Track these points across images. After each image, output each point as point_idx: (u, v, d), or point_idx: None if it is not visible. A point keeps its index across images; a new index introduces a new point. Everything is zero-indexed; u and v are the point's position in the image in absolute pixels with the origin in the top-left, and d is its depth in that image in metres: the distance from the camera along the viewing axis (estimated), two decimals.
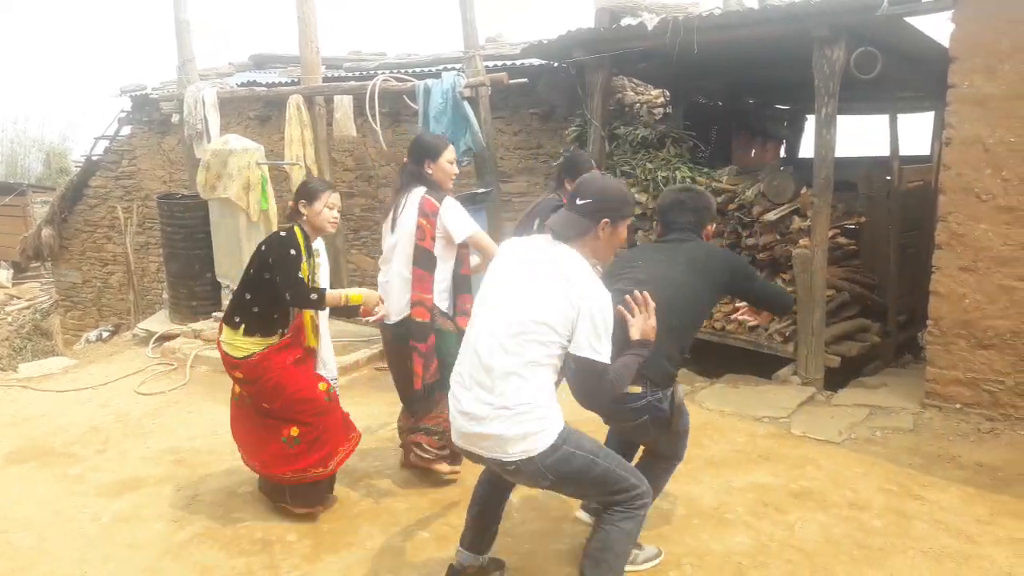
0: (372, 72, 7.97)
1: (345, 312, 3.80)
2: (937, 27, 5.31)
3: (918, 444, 4.53)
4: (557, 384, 2.66)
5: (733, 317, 5.62)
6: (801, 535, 3.52)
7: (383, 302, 3.74)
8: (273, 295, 3.47)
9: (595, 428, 3.05)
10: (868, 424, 4.85)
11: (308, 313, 3.67)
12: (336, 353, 6.43)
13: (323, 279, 3.76)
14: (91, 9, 66.20)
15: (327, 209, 3.57)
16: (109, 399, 5.72)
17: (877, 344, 6.36)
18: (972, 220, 4.75)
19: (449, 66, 7.62)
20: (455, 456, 4.03)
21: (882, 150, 7.67)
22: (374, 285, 4.03)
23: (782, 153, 10.10)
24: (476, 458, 2.68)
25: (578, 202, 2.60)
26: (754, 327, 5.94)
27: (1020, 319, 4.65)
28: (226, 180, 6.79)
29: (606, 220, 2.58)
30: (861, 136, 9.81)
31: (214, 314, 7.16)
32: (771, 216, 5.97)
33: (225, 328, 3.56)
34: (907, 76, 6.43)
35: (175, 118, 8.34)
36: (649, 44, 6.10)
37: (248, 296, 3.51)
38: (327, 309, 3.72)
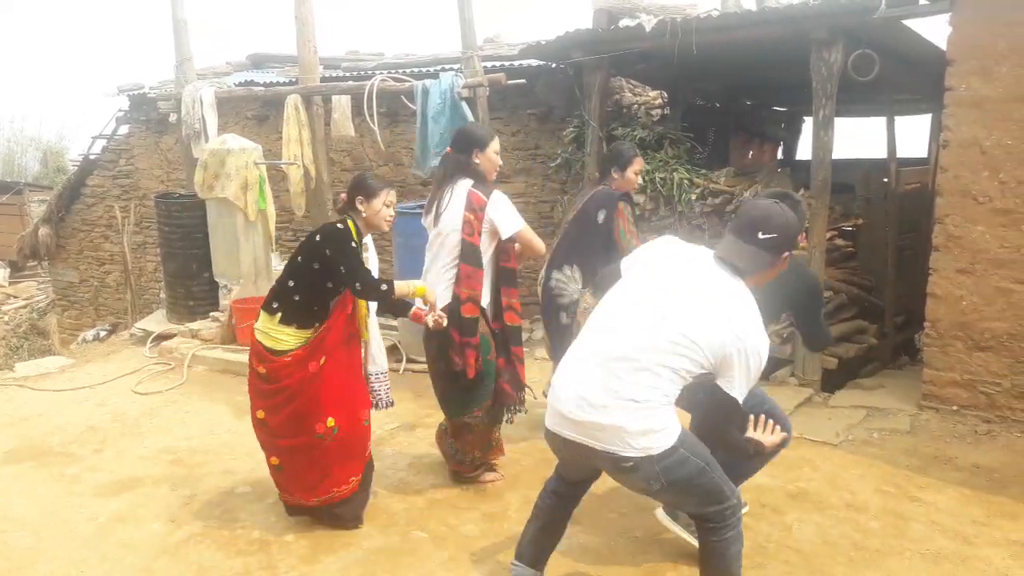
0: (370, 72, 7.97)
1: (394, 309, 3.74)
2: (934, 30, 5.33)
3: (915, 446, 4.54)
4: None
5: None
6: (798, 536, 3.52)
7: (436, 315, 3.57)
8: (318, 285, 3.36)
9: None
10: (865, 425, 4.85)
11: (363, 304, 3.57)
12: None
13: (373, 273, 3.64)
14: (89, 8, 66.13)
15: (385, 207, 3.47)
16: (106, 399, 5.71)
17: (874, 346, 6.37)
18: (969, 222, 4.75)
19: (447, 66, 7.62)
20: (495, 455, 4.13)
21: (879, 152, 7.67)
22: None
23: (780, 155, 10.11)
24: (573, 453, 2.60)
25: (761, 236, 2.49)
26: None
27: (1017, 321, 4.66)
28: (224, 180, 6.79)
29: (787, 253, 2.57)
30: (858, 138, 9.82)
31: (211, 313, 7.15)
32: None
33: (262, 314, 3.42)
34: (904, 78, 6.44)
35: (173, 117, 8.33)
36: (647, 45, 6.11)
37: (291, 283, 3.37)
38: (376, 303, 3.65)
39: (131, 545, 3.61)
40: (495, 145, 3.82)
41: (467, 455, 3.98)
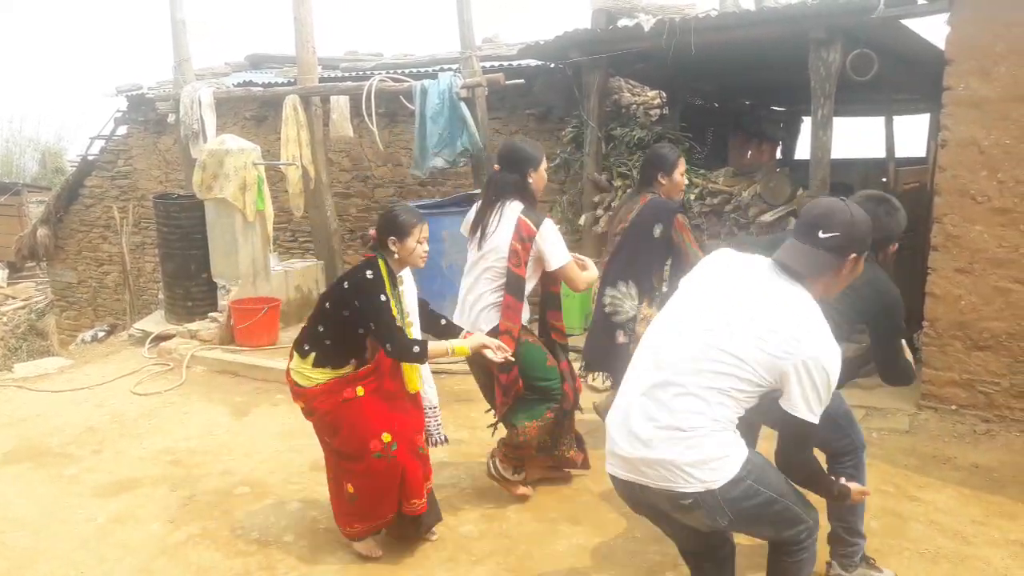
0: (369, 72, 7.97)
1: (439, 334, 3.53)
2: (933, 29, 5.33)
3: (914, 445, 4.54)
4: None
5: None
6: None
7: (495, 347, 3.31)
8: (349, 331, 3.23)
9: None
10: (864, 425, 4.83)
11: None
12: None
13: (412, 306, 3.44)
14: (88, 9, 66.08)
15: (419, 244, 3.23)
16: (105, 399, 5.70)
17: None
18: (968, 222, 4.76)
19: (446, 67, 7.62)
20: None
21: (878, 152, 7.71)
22: None
23: (778, 155, 10.13)
24: (636, 495, 2.33)
25: (821, 235, 2.21)
26: None
27: (1015, 321, 4.66)
28: (222, 180, 6.79)
29: (854, 255, 2.24)
30: (857, 138, 9.84)
31: (210, 314, 7.14)
32: (767, 217, 5.98)
33: (295, 355, 3.29)
34: (903, 78, 6.45)
35: (171, 118, 8.32)
36: (645, 45, 6.11)
37: (321, 329, 3.24)
38: (420, 329, 3.46)
39: (130, 546, 3.60)
40: (545, 163, 3.68)
41: (532, 438, 3.70)
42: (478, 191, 6.65)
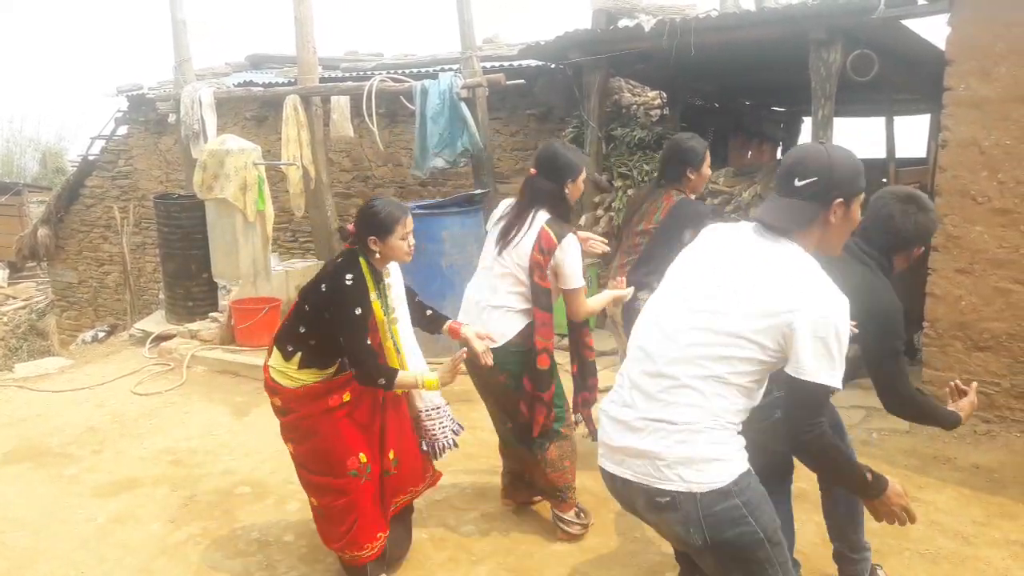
0: (369, 73, 7.98)
1: (429, 328, 3.37)
2: (933, 30, 5.34)
3: (914, 446, 4.54)
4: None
5: None
6: (798, 536, 3.51)
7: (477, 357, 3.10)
8: (333, 332, 2.95)
9: None
10: (865, 426, 4.85)
11: (389, 341, 3.05)
12: None
13: (399, 304, 3.20)
14: (88, 9, 66.13)
15: (401, 240, 2.97)
16: (105, 399, 5.71)
17: None
18: (968, 222, 4.76)
19: (446, 67, 7.63)
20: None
21: (878, 152, 7.70)
22: None
23: (778, 155, 10.13)
24: (619, 491, 2.11)
25: (798, 183, 2.00)
26: None
27: (1016, 321, 4.66)
28: (223, 180, 6.79)
29: (839, 200, 1.99)
30: (858, 138, 9.83)
31: (211, 314, 7.15)
32: None
33: (276, 354, 3.03)
34: (903, 78, 6.45)
35: (172, 118, 8.33)
36: (646, 46, 6.11)
37: (303, 330, 2.97)
38: (410, 323, 3.25)
39: (130, 546, 3.60)
40: (584, 173, 3.43)
41: (565, 481, 3.53)
42: (479, 191, 6.68)
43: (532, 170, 3.41)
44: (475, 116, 6.80)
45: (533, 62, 7.34)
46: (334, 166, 8.59)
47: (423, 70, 7.89)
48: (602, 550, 3.42)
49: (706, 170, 3.92)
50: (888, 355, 2.47)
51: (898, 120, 8.67)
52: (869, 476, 2.05)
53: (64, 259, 11.79)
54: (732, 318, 1.95)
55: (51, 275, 12.56)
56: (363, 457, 3.01)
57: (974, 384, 2.48)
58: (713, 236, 2.18)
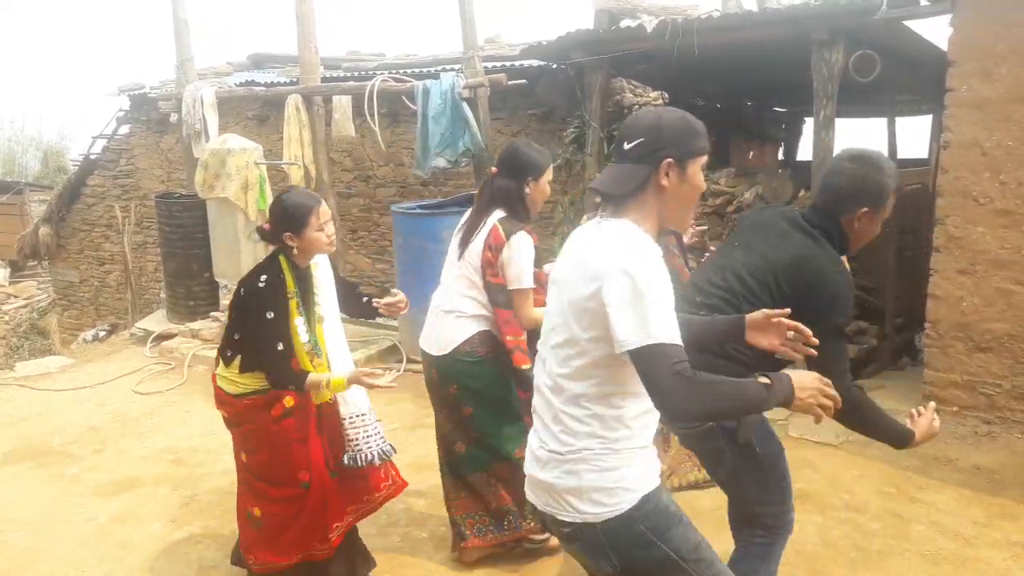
0: (371, 72, 7.97)
1: (362, 313, 3.26)
2: (935, 31, 5.33)
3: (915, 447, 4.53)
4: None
5: None
6: (799, 537, 3.51)
7: (373, 376, 2.88)
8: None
9: None
10: None
11: (300, 341, 2.89)
12: None
13: (328, 302, 3.06)
14: (89, 8, 66.16)
15: (318, 232, 2.83)
16: (106, 399, 5.71)
17: (875, 347, 6.37)
18: (970, 223, 4.75)
19: (448, 67, 7.62)
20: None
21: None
22: (372, 286, 3.91)
23: (780, 155, 10.13)
24: (540, 516, 1.99)
25: (626, 146, 1.86)
26: None
27: (1017, 322, 4.66)
28: (224, 180, 6.79)
29: (668, 159, 1.82)
30: (859, 139, 9.83)
31: (212, 313, 7.15)
32: None
33: (220, 362, 2.96)
34: (905, 79, 6.45)
35: (173, 117, 8.34)
36: (648, 46, 6.11)
37: (237, 336, 2.88)
38: (339, 321, 3.12)
39: (131, 545, 3.61)
40: (550, 174, 3.23)
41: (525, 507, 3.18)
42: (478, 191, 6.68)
43: (493, 169, 3.29)
44: (477, 116, 6.79)
45: (535, 62, 7.33)
46: (336, 166, 8.59)
47: (425, 70, 7.89)
48: None
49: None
50: (827, 334, 2.16)
51: (900, 121, 8.67)
52: (766, 382, 1.74)
53: (65, 258, 11.80)
54: (568, 329, 1.82)
55: (52, 274, 12.57)
56: (311, 470, 2.92)
57: (932, 404, 2.31)
58: (568, 244, 2.00)
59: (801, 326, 1.94)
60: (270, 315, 2.75)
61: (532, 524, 3.26)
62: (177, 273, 7.48)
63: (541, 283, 3.13)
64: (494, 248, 3.11)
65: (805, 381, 1.77)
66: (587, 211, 6.87)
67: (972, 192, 4.72)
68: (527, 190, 3.17)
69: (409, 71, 7.79)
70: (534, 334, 2.91)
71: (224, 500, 4.01)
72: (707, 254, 3.83)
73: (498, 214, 3.17)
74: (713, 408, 1.71)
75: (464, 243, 3.23)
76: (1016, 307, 4.65)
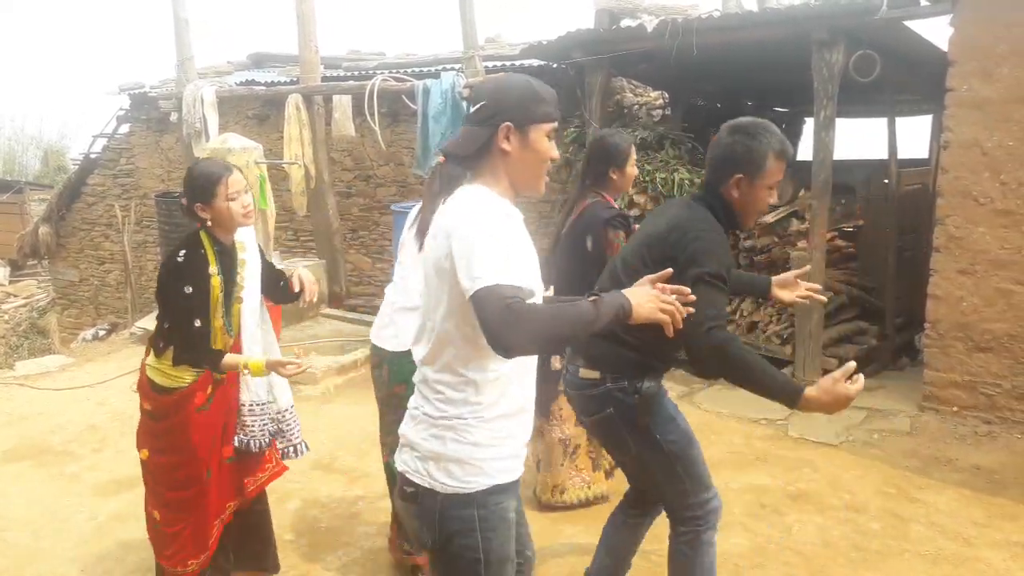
0: (371, 72, 7.98)
1: (283, 298, 3.15)
2: (936, 31, 5.33)
3: (915, 447, 4.54)
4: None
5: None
6: (799, 537, 3.52)
7: (289, 365, 2.80)
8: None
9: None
10: (865, 426, 4.85)
11: (220, 320, 2.80)
12: (332, 353, 6.47)
13: (250, 283, 2.95)
14: (90, 7, 66.20)
15: (230, 201, 2.72)
16: (106, 398, 5.71)
17: (875, 347, 6.37)
18: (970, 223, 4.75)
19: (448, 66, 7.62)
20: None
21: (880, 153, 7.68)
22: (373, 285, 3.89)
23: None
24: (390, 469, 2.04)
25: (471, 110, 1.93)
26: (752, 326, 5.96)
27: (1017, 322, 4.66)
28: None
29: (507, 124, 1.86)
30: (859, 139, 9.83)
31: None
32: (769, 218, 5.98)
33: (152, 351, 2.83)
34: (905, 79, 6.44)
35: (174, 117, 8.34)
36: (648, 46, 6.11)
37: (167, 324, 2.77)
38: (264, 308, 3.02)
39: (130, 544, 3.60)
40: None
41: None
42: None
43: (441, 158, 3.20)
44: None
45: (535, 62, 7.33)
46: (336, 165, 8.60)
47: (425, 69, 7.89)
48: None
49: (630, 169, 3.51)
50: (695, 283, 2.15)
51: (900, 121, 8.65)
52: (595, 299, 1.77)
53: (65, 257, 11.80)
54: (433, 295, 1.87)
55: (52, 273, 12.57)
56: (212, 463, 2.87)
57: (850, 364, 2.19)
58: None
59: (682, 288, 1.92)
60: (188, 290, 2.67)
61: None
62: None
63: None
64: None
65: (640, 293, 1.82)
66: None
67: (972, 192, 4.72)
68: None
69: (409, 70, 7.79)
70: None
71: None
72: None
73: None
74: (541, 333, 1.69)
75: (422, 235, 3.09)
76: (1016, 307, 4.65)
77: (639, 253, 2.42)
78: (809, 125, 9.27)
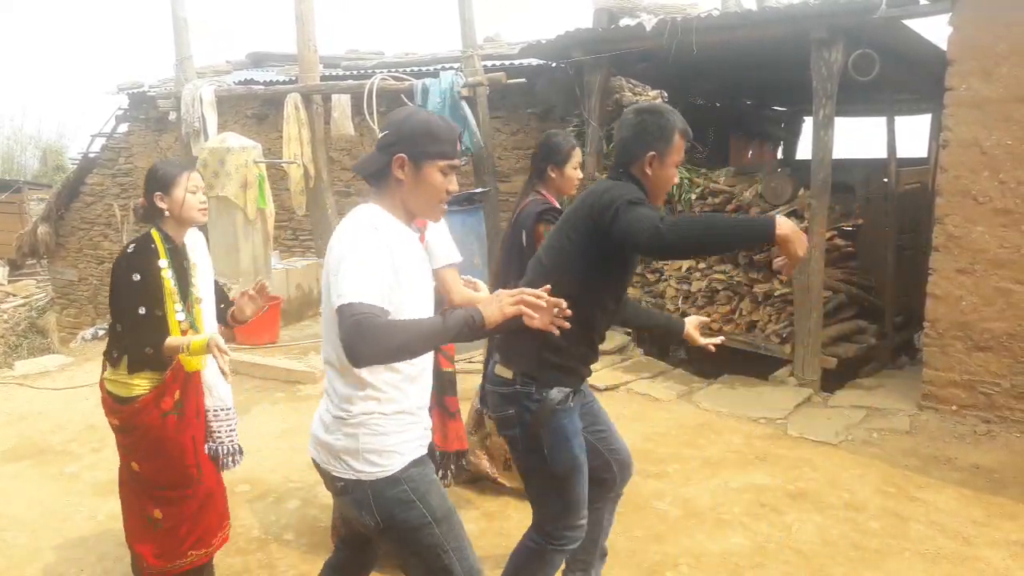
0: (370, 71, 7.97)
1: (225, 323, 3.10)
2: (935, 30, 5.34)
3: (915, 446, 4.54)
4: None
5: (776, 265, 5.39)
6: (798, 536, 3.52)
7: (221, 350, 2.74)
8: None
9: None
10: (865, 425, 4.85)
11: (176, 326, 2.81)
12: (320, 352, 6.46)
13: (203, 284, 2.98)
14: (89, 7, 66.14)
15: (190, 195, 2.80)
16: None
17: (874, 346, 6.37)
18: (969, 222, 4.76)
19: (447, 65, 7.62)
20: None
21: (879, 152, 7.68)
22: None
23: (779, 154, 10.12)
24: (319, 472, 2.17)
25: (379, 135, 2.10)
26: (752, 324, 5.96)
27: (1016, 321, 4.66)
28: (223, 178, 6.78)
29: (402, 155, 2.01)
30: (859, 138, 9.83)
31: None
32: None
33: (107, 364, 2.85)
34: (905, 78, 6.45)
35: (172, 116, 8.32)
36: (647, 45, 6.11)
37: (120, 328, 2.78)
38: (214, 314, 3.03)
39: None
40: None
41: None
42: (479, 190, 6.69)
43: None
44: (476, 115, 6.79)
45: (534, 61, 7.33)
46: (335, 164, 8.59)
47: (424, 69, 7.89)
48: None
49: (571, 171, 3.42)
50: (620, 209, 2.23)
51: (899, 120, 8.66)
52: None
53: (64, 257, 11.79)
54: (329, 304, 1.98)
55: (51, 273, 12.56)
56: (199, 462, 2.91)
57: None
58: None
59: (559, 301, 1.97)
60: (136, 277, 2.72)
61: None
62: None
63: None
64: (418, 229, 2.87)
65: (488, 300, 1.95)
66: None
67: (971, 191, 4.73)
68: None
69: (408, 70, 7.79)
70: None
71: None
72: None
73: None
74: (387, 347, 1.83)
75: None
76: (1015, 306, 4.66)
77: (563, 233, 2.47)
78: (808, 124, 9.27)
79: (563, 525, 2.52)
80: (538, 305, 1.92)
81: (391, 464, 2.04)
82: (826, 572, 3.23)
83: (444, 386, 3.23)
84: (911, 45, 5.80)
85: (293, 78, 8.16)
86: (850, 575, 3.22)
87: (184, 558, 2.93)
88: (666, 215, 2.20)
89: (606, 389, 5.51)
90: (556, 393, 2.44)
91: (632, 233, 2.17)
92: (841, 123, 6.23)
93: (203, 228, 3.13)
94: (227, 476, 4.22)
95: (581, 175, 3.53)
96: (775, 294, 5.92)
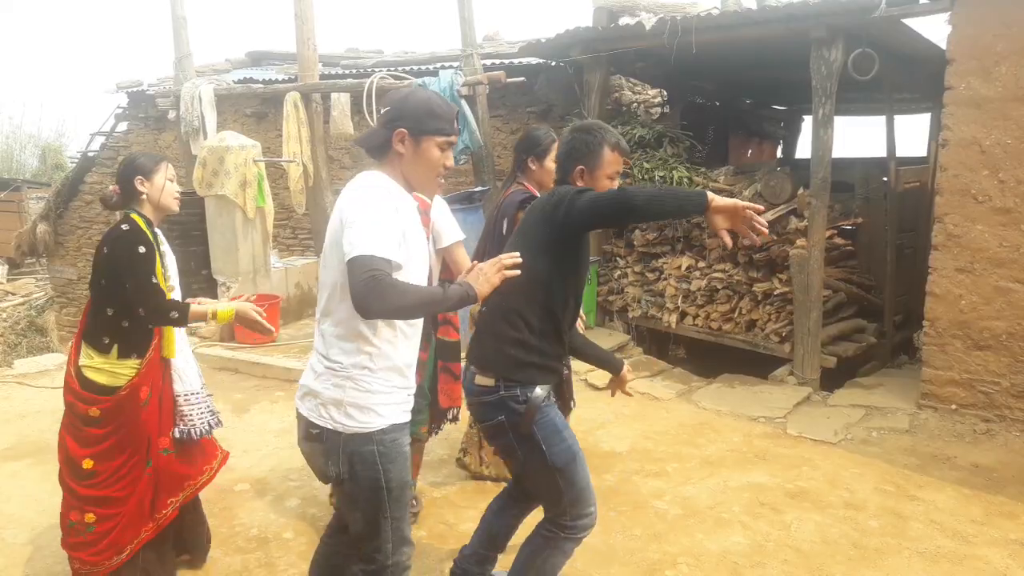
0: (369, 70, 7.97)
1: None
2: (934, 29, 5.34)
3: (914, 445, 4.54)
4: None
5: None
6: (797, 535, 3.52)
7: (261, 316, 2.99)
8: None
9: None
10: (864, 424, 4.85)
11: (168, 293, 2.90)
12: None
13: (173, 274, 3.04)
14: (88, 6, 66.10)
15: (169, 182, 2.95)
16: None
17: (873, 345, 6.38)
18: (968, 221, 4.76)
19: (446, 64, 7.62)
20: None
21: (879, 151, 7.69)
22: None
23: (779, 153, 10.13)
24: (298, 421, 2.27)
25: (381, 112, 2.26)
26: (751, 324, 5.95)
27: (1016, 320, 4.66)
28: (222, 177, 6.77)
29: (402, 130, 2.17)
30: (858, 137, 9.84)
31: None
32: (768, 216, 5.98)
33: (91, 352, 2.81)
34: (904, 77, 6.45)
35: (171, 114, 8.31)
36: (647, 44, 6.12)
37: (111, 312, 2.78)
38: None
39: None
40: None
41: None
42: (478, 189, 6.68)
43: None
44: (475, 114, 6.79)
45: (534, 60, 7.33)
46: (334, 163, 8.59)
47: (423, 67, 7.89)
48: (601, 547, 3.42)
49: (550, 164, 3.44)
50: (574, 196, 2.37)
51: (899, 119, 8.67)
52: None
53: (63, 255, 11.78)
54: (328, 262, 2.16)
55: (50, 271, 12.55)
56: (151, 455, 2.90)
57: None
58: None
59: (512, 257, 2.18)
60: (142, 249, 2.77)
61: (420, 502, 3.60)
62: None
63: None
64: (423, 211, 3.01)
65: (473, 275, 2.13)
66: None
67: (971, 190, 4.73)
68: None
69: (407, 68, 7.79)
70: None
71: (222, 498, 4.01)
72: None
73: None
74: (395, 303, 1.96)
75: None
76: (1015, 305, 4.66)
77: (522, 237, 2.58)
78: (808, 123, 9.28)
79: (576, 514, 2.58)
80: (517, 264, 2.14)
81: (369, 422, 2.15)
82: (825, 571, 3.23)
83: (452, 354, 3.51)
84: (911, 44, 5.81)
85: (292, 77, 8.16)
86: (849, 574, 3.22)
87: (110, 559, 2.88)
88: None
89: (605, 388, 5.50)
90: (540, 391, 2.53)
91: (596, 202, 2.32)
92: (841, 122, 6.23)
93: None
94: (226, 476, 4.24)
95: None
96: (774, 293, 5.93)
